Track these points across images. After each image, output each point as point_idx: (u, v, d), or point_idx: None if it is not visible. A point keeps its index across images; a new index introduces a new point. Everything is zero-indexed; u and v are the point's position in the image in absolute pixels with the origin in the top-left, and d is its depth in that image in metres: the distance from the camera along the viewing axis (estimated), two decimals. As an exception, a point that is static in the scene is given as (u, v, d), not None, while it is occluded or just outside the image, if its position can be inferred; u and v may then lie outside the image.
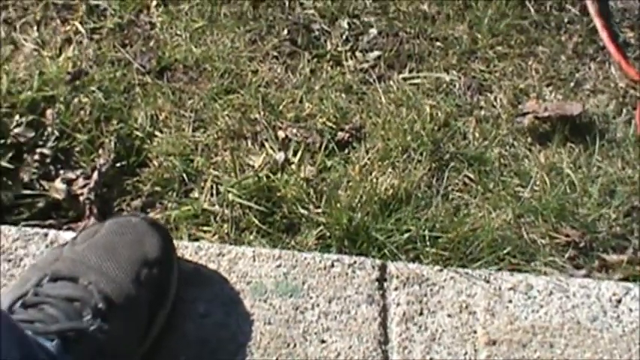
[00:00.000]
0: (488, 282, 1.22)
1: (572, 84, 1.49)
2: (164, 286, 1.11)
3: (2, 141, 1.31)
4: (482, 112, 1.45)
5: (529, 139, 1.42)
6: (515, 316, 1.20)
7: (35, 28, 1.48)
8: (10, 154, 1.30)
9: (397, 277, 1.21)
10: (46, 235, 1.20)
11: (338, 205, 1.29)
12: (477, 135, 1.42)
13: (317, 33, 1.52)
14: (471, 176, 1.37)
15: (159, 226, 1.14)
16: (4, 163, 1.29)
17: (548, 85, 1.49)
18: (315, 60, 1.49)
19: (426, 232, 1.28)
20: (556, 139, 1.41)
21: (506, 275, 1.23)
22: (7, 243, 1.19)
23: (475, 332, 1.18)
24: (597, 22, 1.55)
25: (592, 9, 1.56)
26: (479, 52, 1.52)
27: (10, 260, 1.17)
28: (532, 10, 1.55)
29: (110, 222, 1.13)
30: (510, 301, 1.21)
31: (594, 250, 1.31)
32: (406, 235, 1.28)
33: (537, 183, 1.36)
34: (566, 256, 1.29)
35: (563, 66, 1.51)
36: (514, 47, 1.52)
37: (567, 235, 1.31)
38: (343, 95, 1.44)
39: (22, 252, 1.18)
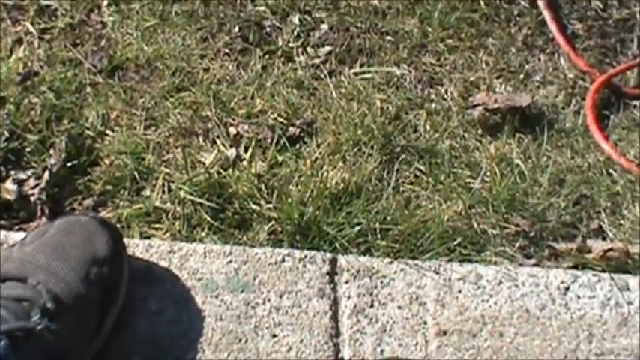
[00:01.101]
0: (438, 273, 1.23)
1: (521, 75, 1.51)
2: (114, 285, 1.12)
3: (-48, 143, 1.31)
4: (433, 105, 1.46)
5: (479, 131, 1.43)
6: (465, 306, 1.21)
7: (-15, 29, 1.48)
8: (-41, 156, 1.31)
9: (348, 270, 1.22)
10: (-5, 235, 1.21)
11: (289, 200, 1.29)
12: (427, 128, 1.43)
13: (268, 29, 1.52)
14: (422, 169, 1.38)
15: (108, 225, 1.14)
16: (-47, 165, 1.29)
17: (498, 77, 1.50)
18: (267, 56, 1.49)
19: (377, 225, 1.29)
20: (506, 130, 1.42)
21: (455, 266, 1.25)
22: (-44, 245, 1.19)
23: (425, 323, 1.19)
24: (546, 15, 1.56)
25: (541, 2, 1.57)
26: (429, 45, 1.53)
27: (-42, 261, 1.18)
28: (482, 3, 1.57)
29: (59, 222, 1.14)
30: (460, 292, 1.22)
31: (544, 239, 1.32)
32: (357, 229, 1.29)
33: (487, 174, 1.38)
34: (517, 245, 1.31)
35: (512, 58, 1.53)
36: (464, 40, 1.53)
37: (517, 225, 1.32)
38: (294, 91, 1.45)
39: (-29, 253, 1.19)
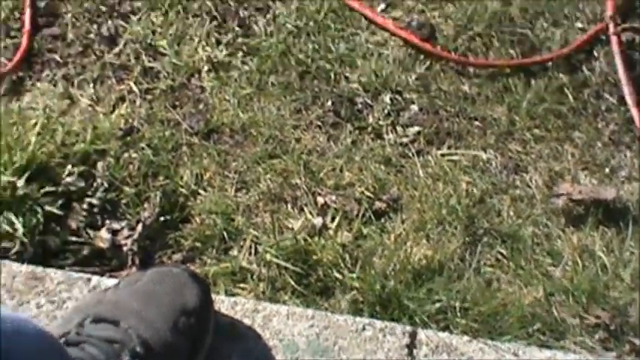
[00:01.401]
0: (516, 355, 1.24)
1: (607, 170, 1.52)
2: (201, 337, 1.14)
3: (54, 189, 1.35)
4: (518, 192, 1.48)
5: (562, 221, 1.44)
6: (540, 390, 1.21)
7: (92, 85, 1.54)
8: (60, 202, 1.35)
9: (427, 344, 1.23)
10: (89, 280, 1.24)
11: (372, 271, 1.32)
12: (511, 213, 1.45)
13: (360, 106, 1.56)
14: (504, 252, 1.39)
15: (199, 278, 1.17)
16: (55, 210, 1.33)
17: (583, 170, 1.52)
18: (357, 131, 1.53)
19: (457, 304, 1.31)
20: (589, 221, 1.43)
21: (534, 350, 1.25)
22: (51, 285, 1.23)
23: (501, 403, 1.20)
24: (634, 113, 1.57)
25: (630, 100, 1.59)
26: (516, 133, 1.55)
27: (53, 302, 1.21)
28: (570, 96, 1.59)
29: (152, 271, 1.17)
30: (537, 376, 1.23)
31: (625, 334, 1.31)
32: (437, 305, 1.30)
33: (569, 263, 1.38)
34: (596, 337, 1.31)
35: (598, 152, 1.54)
36: (551, 131, 1.55)
37: (598, 317, 1.32)
38: (382, 167, 1.48)
39: (65, 295, 1.22)
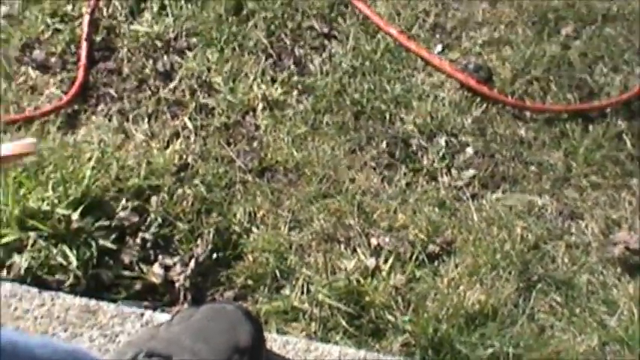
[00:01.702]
0: (571, 405, 1.22)
1: (664, 219, 1.50)
2: (252, 375, 1.14)
3: (108, 223, 1.36)
4: (573, 238, 1.46)
5: (618, 269, 1.42)
6: None
7: (146, 120, 1.55)
8: (113, 236, 1.36)
9: (479, 390, 1.22)
10: (142, 315, 1.24)
11: (425, 314, 1.31)
12: (566, 260, 1.43)
13: (415, 148, 1.55)
14: (558, 299, 1.37)
15: (252, 317, 1.17)
16: (108, 244, 1.34)
17: (640, 218, 1.50)
18: (411, 173, 1.52)
19: (510, 350, 1.29)
20: (646, 271, 1.42)
21: (589, 400, 1.23)
22: (104, 319, 1.23)
23: None
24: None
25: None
26: (573, 179, 1.54)
27: (106, 335, 1.21)
28: (628, 143, 1.57)
29: (206, 307, 1.17)
30: None
31: (679, 385, 1.30)
32: (490, 350, 1.29)
33: (625, 313, 1.36)
34: (650, 388, 1.29)
35: (656, 200, 1.53)
36: (608, 178, 1.54)
37: (652, 367, 1.31)
38: (436, 210, 1.47)
39: (118, 329, 1.22)
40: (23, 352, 0.69)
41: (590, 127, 1.59)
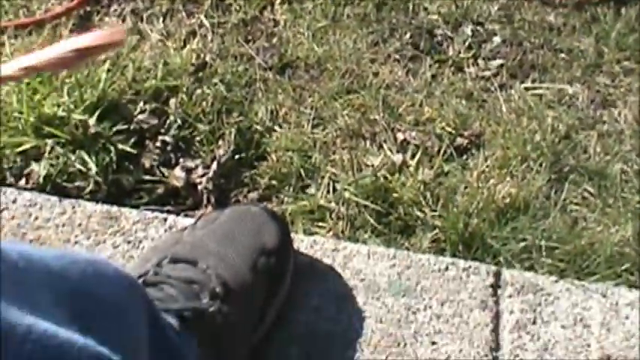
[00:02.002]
0: (605, 296, 1.19)
1: (700, 103, 1.45)
2: (279, 276, 1.12)
3: (126, 127, 1.33)
4: (605, 127, 1.42)
5: (653, 157, 1.39)
6: (631, 332, 1.17)
7: (161, 19, 1.50)
8: (133, 140, 1.32)
9: (512, 284, 1.19)
10: (165, 219, 1.22)
11: (454, 209, 1.27)
12: (598, 149, 1.39)
13: (439, 38, 1.50)
14: (591, 190, 1.34)
15: (278, 217, 1.14)
16: (128, 148, 1.31)
17: (675, 103, 1.46)
18: (437, 65, 1.48)
19: (543, 243, 1.26)
20: (681, 157, 1.38)
21: (623, 291, 1.21)
22: (127, 225, 1.21)
23: (589, 346, 1.16)
24: None
25: None
26: (604, 66, 1.49)
27: (129, 242, 1.19)
28: (662, 26, 1.52)
29: (230, 210, 1.14)
30: (627, 318, 1.18)
31: None
32: (522, 244, 1.26)
33: (659, 201, 1.33)
34: (688, 276, 1.26)
35: (691, 84, 1.48)
36: (641, 63, 1.49)
37: (689, 256, 1.27)
38: (463, 101, 1.43)
39: (141, 234, 1.20)
40: (38, 265, 0.67)
41: (623, 11, 1.54)
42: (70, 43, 0.41)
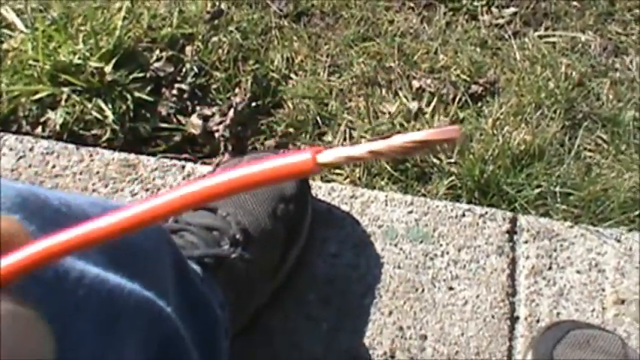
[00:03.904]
0: (619, 241, 1.21)
1: None
2: (298, 223, 1.12)
3: (142, 74, 1.33)
4: (618, 74, 1.42)
5: (665, 104, 1.39)
6: (645, 277, 1.18)
7: (176, -33, 1.50)
8: (149, 88, 1.32)
9: (527, 230, 1.21)
10: (183, 167, 1.23)
11: (470, 156, 1.28)
12: (610, 97, 1.39)
13: (453, -14, 1.51)
14: (604, 137, 1.35)
15: (296, 164, 1.14)
16: (144, 96, 1.31)
17: (687, 51, 1.46)
18: (451, 13, 1.47)
19: (557, 189, 1.27)
20: (694, 105, 1.38)
21: (637, 236, 1.22)
22: (145, 172, 1.21)
23: (604, 290, 1.17)
24: None
25: None
26: (616, 14, 1.49)
27: (147, 189, 1.20)
28: (675, -27, 1.52)
29: (248, 157, 1.15)
30: (641, 263, 1.19)
31: None
32: (537, 191, 1.27)
33: (672, 148, 1.34)
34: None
35: (703, 31, 1.48)
36: (653, 11, 1.49)
37: (701, 204, 1.29)
38: (478, 49, 1.43)
39: (159, 182, 1.21)
40: (77, 211, 0.67)
41: (636, -42, 1.53)
42: (409, 137, 0.42)
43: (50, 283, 0.56)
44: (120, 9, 1.40)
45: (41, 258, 0.43)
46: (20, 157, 1.23)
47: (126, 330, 0.64)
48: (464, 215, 1.21)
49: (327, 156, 0.43)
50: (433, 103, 1.35)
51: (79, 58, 1.32)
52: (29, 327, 0.44)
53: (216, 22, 1.41)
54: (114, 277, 0.63)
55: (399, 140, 0.42)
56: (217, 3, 1.44)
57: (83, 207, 0.70)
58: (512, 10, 1.48)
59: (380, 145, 0.43)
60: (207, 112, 1.32)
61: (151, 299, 0.67)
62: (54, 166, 1.23)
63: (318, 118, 1.33)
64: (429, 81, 1.37)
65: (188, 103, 1.33)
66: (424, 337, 1.12)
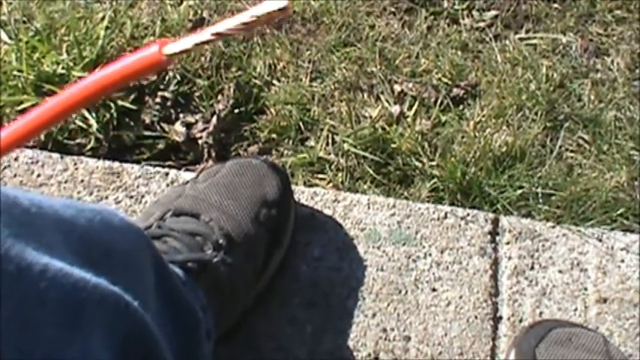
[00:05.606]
0: (600, 241, 1.22)
1: (691, 50, 1.47)
2: (281, 228, 1.13)
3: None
4: (599, 75, 1.43)
5: (646, 104, 1.40)
6: (627, 275, 1.19)
7: (158, -24, 1.51)
8: (132, 96, 1.33)
9: (509, 231, 1.21)
10: (167, 174, 1.23)
11: (452, 159, 1.29)
12: (592, 97, 1.40)
13: (434, -10, 1.52)
14: (586, 137, 1.36)
15: (278, 169, 1.16)
16: (128, 104, 1.32)
17: (667, 51, 1.47)
18: (432, 17, 1.48)
19: (539, 190, 1.28)
20: (674, 104, 1.39)
21: (619, 235, 1.23)
22: (129, 180, 1.22)
23: (586, 289, 1.18)
24: None
25: None
26: (597, 15, 1.50)
27: (132, 197, 1.21)
28: (654, -26, 1.53)
29: (231, 163, 1.16)
30: (622, 261, 1.20)
31: None
32: (519, 192, 1.28)
33: (653, 147, 1.35)
34: (680, 218, 1.28)
35: (683, 31, 1.49)
36: (633, 12, 1.50)
37: (682, 200, 1.30)
38: (459, 53, 1.44)
39: (143, 189, 1.22)
40: (48, 211, 0.68)
41: (614, -40, 1.54)
42: (244, 14, 0.44)
43: (12, 276, 0.57)
44: (103, 19, 1.40)
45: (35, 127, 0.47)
46: (5, 167, 1.23)
47: (90, 322, 0.65)
48: (446, 217, 1.22)
49: (173, 47, 0.45)
50: (415, 107, 1.36)
51: (63, 68, 1.33)
52: None
53: (198, 30, 1.42)
54: (79, 272, 0.64)
55: (236, 19, 0.44)
56: (199, 11, 1.45)
57: (55, 207, 0.71)
58: (493, 13, 1.49)
59: (220, 26, 0.45)
60: (190, 119, 1.33)
61: (117, 292, 0.68)
62: (39, 175, 1.23)
63: (301, 124, 1.34)
64: (410, 85, 1.38)
65: (171, 110, 1.34)
66: (408, 339, 1.13)
